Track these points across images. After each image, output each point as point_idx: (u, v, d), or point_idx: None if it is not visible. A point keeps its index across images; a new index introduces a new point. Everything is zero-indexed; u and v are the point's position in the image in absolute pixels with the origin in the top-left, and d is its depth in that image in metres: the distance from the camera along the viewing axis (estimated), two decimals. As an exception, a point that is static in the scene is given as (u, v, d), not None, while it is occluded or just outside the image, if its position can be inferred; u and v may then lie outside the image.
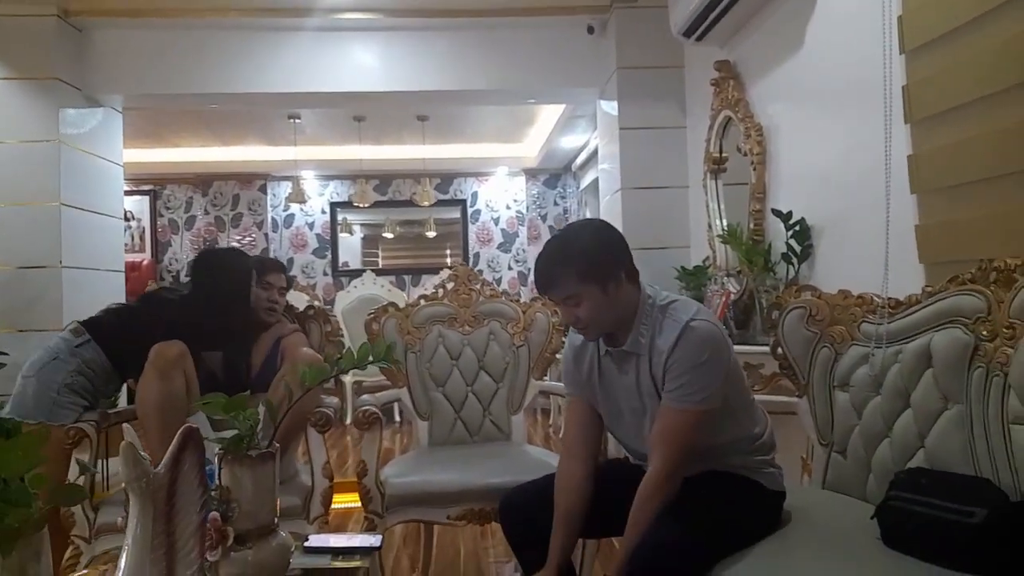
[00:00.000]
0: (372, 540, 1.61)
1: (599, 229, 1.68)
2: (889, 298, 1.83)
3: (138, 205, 7.73)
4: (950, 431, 1.58)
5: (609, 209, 4.11)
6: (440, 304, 2.84)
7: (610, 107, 4.02)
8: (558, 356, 4.04)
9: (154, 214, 7.81)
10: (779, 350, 1.99)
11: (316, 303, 7.04)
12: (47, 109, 3.63)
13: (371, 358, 1.49)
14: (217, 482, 1.37)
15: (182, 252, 7.89)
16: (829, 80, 2.47)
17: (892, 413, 1.73)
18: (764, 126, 2.92)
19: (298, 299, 5.88)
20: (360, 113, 6.09)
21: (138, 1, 3.72)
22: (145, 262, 7.52)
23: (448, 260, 8.46)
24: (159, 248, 7.82)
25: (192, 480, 1.21)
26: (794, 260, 2.55)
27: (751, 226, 2.90)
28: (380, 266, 8.20)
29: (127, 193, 7.46)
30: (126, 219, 7.62)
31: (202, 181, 7.82)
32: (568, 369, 1.82)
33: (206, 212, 7.91)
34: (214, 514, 1.35)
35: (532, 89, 4.27)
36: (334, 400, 2.46)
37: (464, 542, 3.01)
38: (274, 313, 2.55)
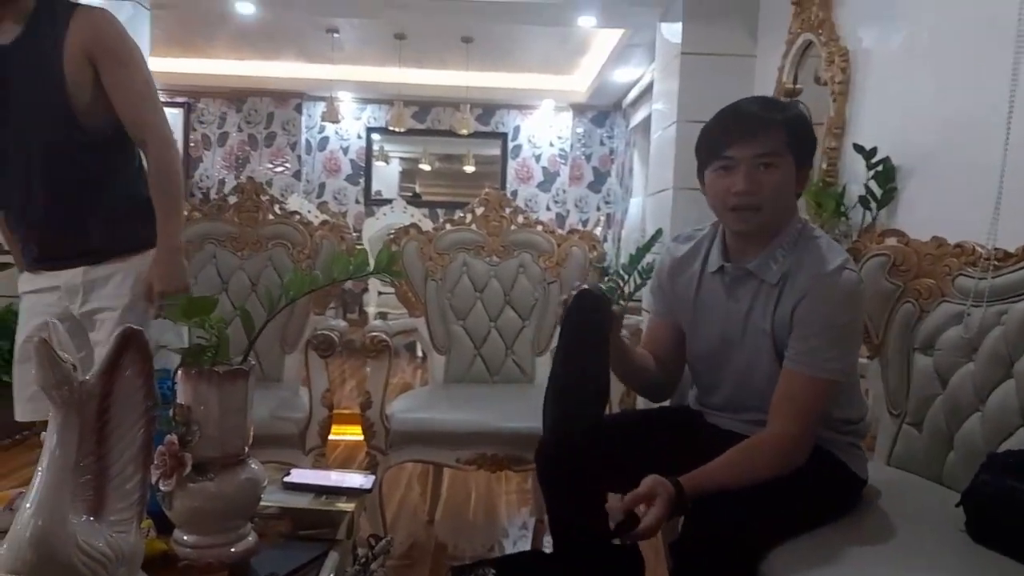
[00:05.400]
0: (363, 481, 1.39)
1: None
2: (996, 248, 1.52)
3: (171, 118, 7.47)
4: (1063, 410, 1.31)
5: (661, 145, 3.77)
6: (468, 230, 2.59)
7: (672, 31, 3.64)
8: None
9: (187, 128, 7.62)
10: (851, 303, 1.71)
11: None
12: (65, -4, 3.38)
13: (370, 268, 1.25)
14: (176, 400, 1.15)
15: (213, 169, 7.71)
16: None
17: (988, 383, 1.46)
18: (851, 51, 2.54)
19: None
20: (400, 29, 5.74)
21: None
22: (177, 177, 7.36)
23: (485, 197, 8.15)
24: (191, 163, 7.64)
25: (134, 391, 0.98)
26: (873, 205, 2.23)
27: (824, 166, 2.56)
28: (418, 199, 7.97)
29: (160, 104, 7.30)
30: (158, 130, 7.46)
31: (237, 96, 7.58)
32: (660, 284, 1.57)
33: (239, 129, 7.69)
34: (171, 437, 1.13)
35: (587, 3, 3.88)
36: (340, 323, 2.24)
37: (476, 486, 2.82)
38: None
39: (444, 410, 2.13)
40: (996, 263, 1.51)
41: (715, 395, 1.48)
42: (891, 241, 1.73)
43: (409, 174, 8.17)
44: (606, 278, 3.47)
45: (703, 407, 1.53)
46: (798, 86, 2.97)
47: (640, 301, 4.07)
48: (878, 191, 2.21)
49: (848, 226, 2.37)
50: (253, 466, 1.20)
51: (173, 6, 4.48)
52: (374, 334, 2.08)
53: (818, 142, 2.64)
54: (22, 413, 1.66)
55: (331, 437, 2.12)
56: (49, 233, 1.62)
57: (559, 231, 2.63)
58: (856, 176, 2.37)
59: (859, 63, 2.51)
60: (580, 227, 7.76)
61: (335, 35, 5.98)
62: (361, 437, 2.05)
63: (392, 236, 2.53)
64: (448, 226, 2.61)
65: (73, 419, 0.91)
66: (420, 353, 5.16)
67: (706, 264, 1.46)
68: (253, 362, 1.20)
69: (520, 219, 2.63)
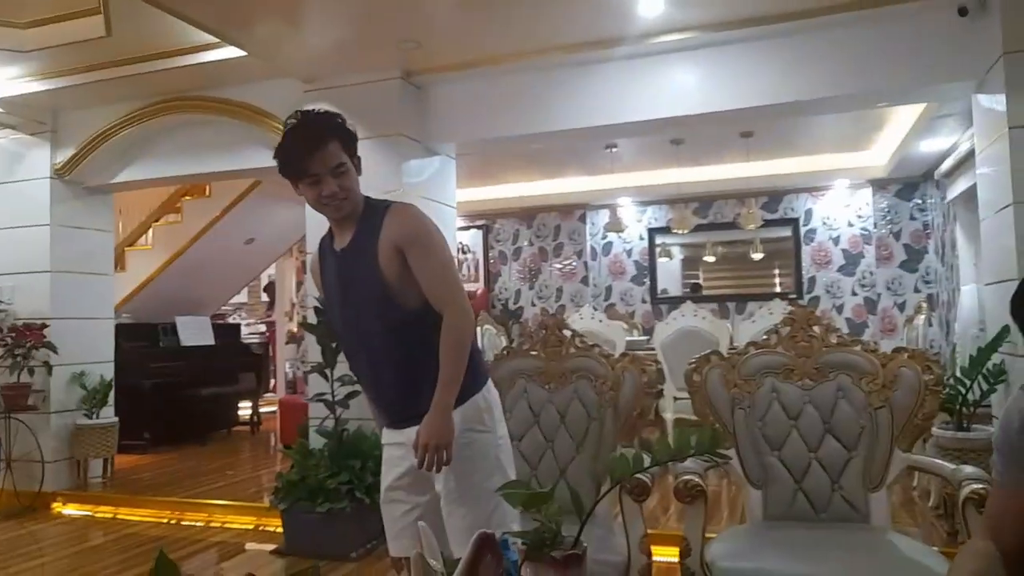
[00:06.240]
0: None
1: None
2: None
3: (473, 239, 8.44)
4: None
5: (996, 230, 3.25)
6: (773, 352, 2.44)
7: (993, 101, 3.20)
8: (936, 430, 3.29)
9: (486, 247, 8.46)
10: None
11: (635, 333, 6.93)
12: (393, 163, 4.02)
13: (692, 449, 1.22)
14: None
15: (510, 281, 8.40)
16: None
17: None
18: None
19: (615, 329, 5.82)
20: (679, 136, 5.84)
21: (466, 55, 3.93)
22: (479, 291, 8.16)
23: (777, 283, 7.74)
24: (490, 278, 8.43)
25: (489, 583, 1.05)
26: None
27: None
28: (701, 291, 7.84)
29: (463, 228, 8.24)
30: (462, 252, 8.39)
31: (527, 214, 8.27)
32: (1012, 445, 1.28)
33: (530, 243, 8.34)
34: (515, 621, 1.19)
35: (885, 91, 3.60)
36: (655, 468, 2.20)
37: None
38: (341, 208, 1.80)
39: (772, 558, 1.97)
40: None
41: None
42: None
43: (691, 262, 8.11)
44: (945, 390, 3.00)
45: None
46: None
47: (989, 407, 3.47)
48: None
49: None
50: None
51: (473, 153, 5.08)
52: (688, 478, 2.02)
53: None
54: (391, 548, 1.91)
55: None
56: (394, 402, 1.88)
57: (883, 350, 2.36)
58: None
59: None
60: (895, 311, 7.02)
61: (613, 149, 6.28)
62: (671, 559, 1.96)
63: (693, 365, 2.48)
64: (752, 349, 2.49)
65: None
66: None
67: None
68: (585, 544, 1.22)
69: (833, 338, 2.41)
